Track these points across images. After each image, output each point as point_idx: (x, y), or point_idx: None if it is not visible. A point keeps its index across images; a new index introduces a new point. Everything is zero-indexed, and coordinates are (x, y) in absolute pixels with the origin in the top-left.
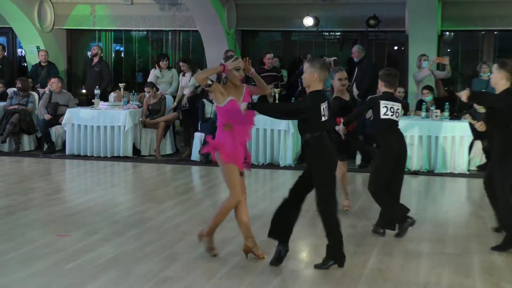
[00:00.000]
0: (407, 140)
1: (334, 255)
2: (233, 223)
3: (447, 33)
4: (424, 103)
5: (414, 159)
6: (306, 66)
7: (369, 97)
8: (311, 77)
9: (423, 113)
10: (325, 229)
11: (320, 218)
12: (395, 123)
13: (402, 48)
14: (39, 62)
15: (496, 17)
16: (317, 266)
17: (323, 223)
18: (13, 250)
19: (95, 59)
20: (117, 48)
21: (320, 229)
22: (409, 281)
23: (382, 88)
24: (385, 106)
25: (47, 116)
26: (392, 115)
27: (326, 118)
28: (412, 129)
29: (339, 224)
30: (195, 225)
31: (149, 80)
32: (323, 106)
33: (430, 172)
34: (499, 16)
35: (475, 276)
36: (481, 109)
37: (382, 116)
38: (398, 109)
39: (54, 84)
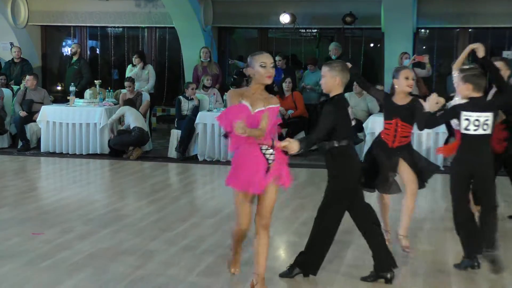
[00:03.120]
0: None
1: (302, 263)
2: (211, 221)
3: (423, 30)
4: None
5: None
6: (325, 70)
7: (452, 105)
8: (333, 82)
9: None
10: (309, 240)
11: (313, 229)
12: (480, 138)
13: (378, 45)
14: (12, 59)
15: (470, 14)
16: (281, 275)
17: (312, 234)
18: None
19: (75, 57)
20: (92, 45)
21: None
22: None
23: (467, 92)
24: (467, 119)
25: (23, 113)
26: (476, 129)
27: (352, 123)
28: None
29: (328, 245)
30: (172, 222)
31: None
32: (350, 110)
33: None
34: (474, 13)
35: (450, 271)
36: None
37: (463, 131)
38: (487, 120)
39: (29, 81)
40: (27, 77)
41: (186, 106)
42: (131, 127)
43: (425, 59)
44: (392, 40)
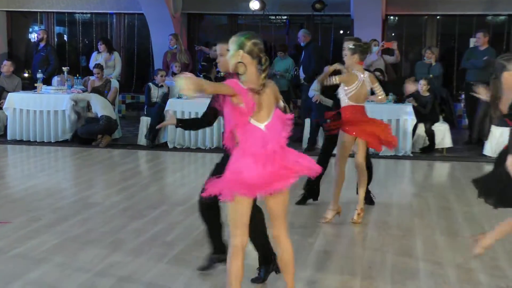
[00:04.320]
0: None
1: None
2: (181, 208)
3: (392, 17)
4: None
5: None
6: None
7: None
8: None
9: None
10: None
11: None
12: None
13: (348, 32)
14: None
15: (438, 2)
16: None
17: None
18: None
19: (42, 44)
20: (60, 31)
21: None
22: (354, 261)
23: None
24: None
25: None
26: None
27: None
28: None
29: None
30: (141, 210)
31: (91, 63)
32: None
33: (375, 155)
34: (442, 1)
35: (418, 256)
36: (425, 93)
37: None
38: None
39: (6, 66)
40: (4, 62)
41: (155, 93)
42: (99, 116)
43: (394, 45)
44: (361, 26)
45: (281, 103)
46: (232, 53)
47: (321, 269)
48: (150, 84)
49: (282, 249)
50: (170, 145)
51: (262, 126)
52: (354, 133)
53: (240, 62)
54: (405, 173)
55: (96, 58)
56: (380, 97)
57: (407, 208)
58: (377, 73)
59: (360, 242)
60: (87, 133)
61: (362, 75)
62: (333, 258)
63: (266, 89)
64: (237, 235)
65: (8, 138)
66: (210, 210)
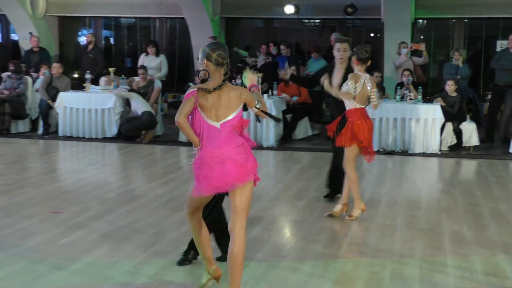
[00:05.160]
0: (383, 123)
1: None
2: None
3: (420, 20)
4: (399, 87)
5: (389, 140)
6: None
7: None
8: None
9: (398, 96)
10: None
11: None
12: None
13: (378, 35)
14: (31, 48)
15: (466, 5)
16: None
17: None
18: (10, 226)
19: (90, 46)
20: (107, 34)
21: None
22: (384, 253)
23: None
24: None
25: (53, 104)
26: None
27: None
28: (388, 112)
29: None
30: (183, 202)
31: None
32: None
33: (404, 152)
34: (469, 4)
35: (446, 249)
36: (452, 93)
37: None
38: None
39: (55, 68)
40: (54, 64)
41: None
42: (139, 113)
43: (422, 47)
44: (391, 30)
45: (255, 109)
46: (199, 61)
47: (353, 260)
48: (191, 84)
49: (234, 241)
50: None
51: (217, 124)
52: (362, 142)
53: (204, 69)
54: (433, 170)
55: (143, 60)
56: (374, 103)
57: (435, 204)
58: (407, 73)
59: (390, 235)
60: (131, 130)
61: (364, 75)
62: (363, 249)
63: (226, 91)
64: (190, 211)
65: (59, 134)
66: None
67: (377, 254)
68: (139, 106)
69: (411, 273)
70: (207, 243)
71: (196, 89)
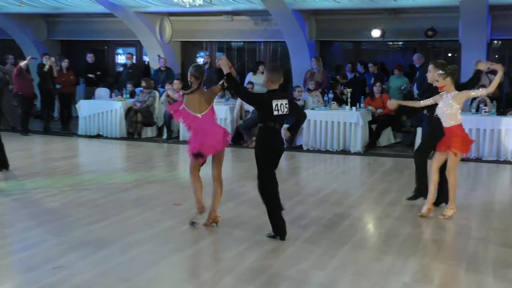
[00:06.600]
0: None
1: (275, 228)
2: (313, 198)
3: (496, 41)
4: (473, 100)
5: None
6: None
7: None
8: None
9: (473, 110)
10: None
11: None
12: None
13: (456, 55)
14: (159, 68)
15: None
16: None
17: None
18: (140, 214)
19: (206, 66)
20: (220, 56)
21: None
22: (459, 250)
23: None
24: None
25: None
26: None
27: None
28: (464, 123)
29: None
30: (282, 199)
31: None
32: None
33: (478, 160)
34: None
35: None
36: None
37: None
38: None
39: (175, 84)
40: (175, 81)
41: None
42: (250, 112)
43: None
44: (468, 50)
45: (219, 86)
46: (188, 75)
47: (429, 256)
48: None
49: (217, 182)
50: (305, 147)
51: (199, 115)
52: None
53: (189, 80)
54: (506, 176)
55: (251, 77)
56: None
57: (508, 205)
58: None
59: (465, 233)
60: (246, 129)
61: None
62: (440, 245)
63: (197, 94)
64: (192, 173)
65: (180, 139)
66: (272, 194)
67: (452, 250)
68: (250, 108)
69: (485, 269)
70: (200, 191)
71: (181, 93)
